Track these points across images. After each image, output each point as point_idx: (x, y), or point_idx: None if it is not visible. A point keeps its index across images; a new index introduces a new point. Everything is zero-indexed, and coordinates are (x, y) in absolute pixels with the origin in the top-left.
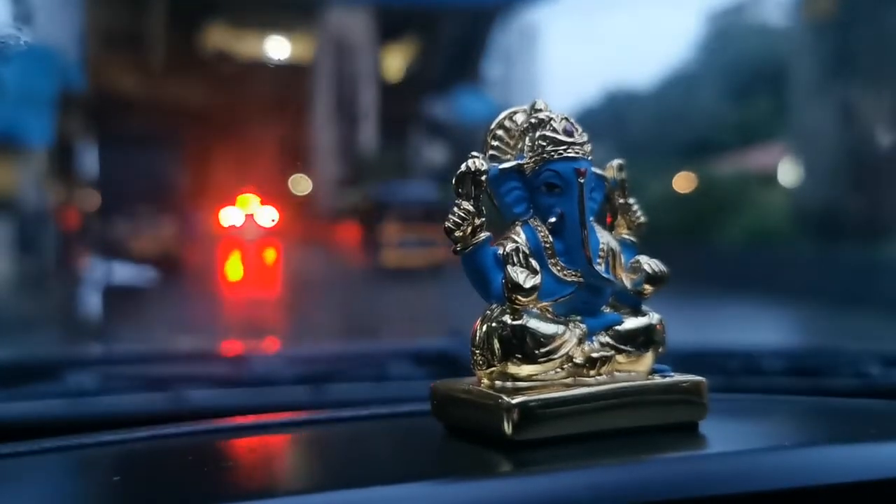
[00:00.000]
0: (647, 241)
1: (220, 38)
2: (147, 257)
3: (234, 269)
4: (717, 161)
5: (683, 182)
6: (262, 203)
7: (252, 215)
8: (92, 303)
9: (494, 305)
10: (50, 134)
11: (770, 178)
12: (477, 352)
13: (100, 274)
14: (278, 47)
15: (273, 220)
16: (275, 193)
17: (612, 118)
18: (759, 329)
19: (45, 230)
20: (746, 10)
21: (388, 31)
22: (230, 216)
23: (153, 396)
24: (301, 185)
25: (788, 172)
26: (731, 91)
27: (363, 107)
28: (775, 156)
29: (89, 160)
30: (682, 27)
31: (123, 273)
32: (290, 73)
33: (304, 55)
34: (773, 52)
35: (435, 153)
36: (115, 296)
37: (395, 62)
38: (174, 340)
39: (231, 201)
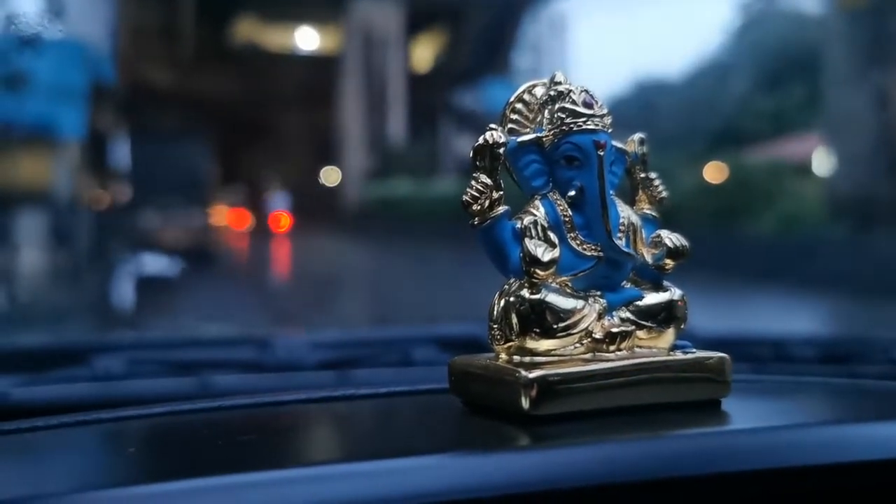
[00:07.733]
0: (680, 229)
1: (249, 30)
2: (177, 248)
3: None
4: (750, 150)
5: (715, 171)
6: None
7: None
8: (123, 292)
9: (512, 280)
10: (83, 126)
11: (804, 168)
12: (495, 326)
13: (131, 264)
14: (308, 39)
15: None
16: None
17: (643, 108)
18: (792, 318)
19: (78, 221)
20: None
21: (417, 21)
22: None
23: (179, 381)
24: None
25: (823, 162)
26: (763, 80)
27: (392, 98)
28: (809, 146)
29: (121, 152)
30: (713, 15)
31: (154, 263)
32: (319, 64)
33: (332, 47)
34: (807, 39)
35: (464, 144)
36: (146, 285)
37: (424, 53)
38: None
39: None
